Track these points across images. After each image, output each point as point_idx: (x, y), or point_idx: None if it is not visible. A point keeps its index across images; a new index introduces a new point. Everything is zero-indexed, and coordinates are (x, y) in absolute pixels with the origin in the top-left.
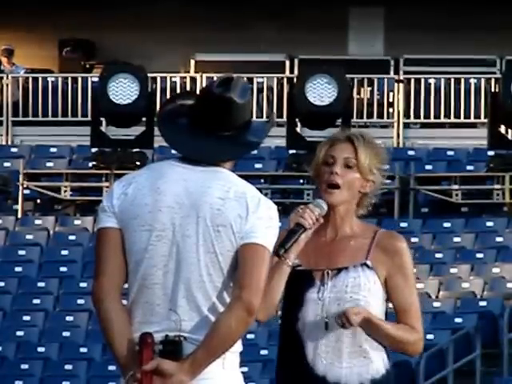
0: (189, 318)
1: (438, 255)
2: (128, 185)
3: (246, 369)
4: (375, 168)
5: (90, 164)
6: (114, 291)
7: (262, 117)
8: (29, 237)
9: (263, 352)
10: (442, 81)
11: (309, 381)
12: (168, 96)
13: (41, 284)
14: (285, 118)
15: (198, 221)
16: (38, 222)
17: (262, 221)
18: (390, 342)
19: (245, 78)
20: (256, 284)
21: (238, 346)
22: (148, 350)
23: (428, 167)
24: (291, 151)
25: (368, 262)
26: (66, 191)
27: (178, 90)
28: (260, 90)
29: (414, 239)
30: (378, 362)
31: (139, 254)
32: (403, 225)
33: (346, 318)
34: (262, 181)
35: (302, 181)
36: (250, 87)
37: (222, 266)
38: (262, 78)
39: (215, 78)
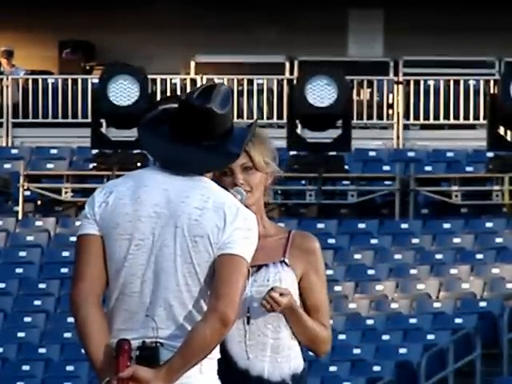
0: (166, 325)
1: (438, 256)
2: (109, 193)
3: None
4: (268, 159)
5: (91, 165)
6: (92, 297)
7: (262, 118)
8: (29, 238)
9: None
10: (442, 82)
11: (232, 375)
12: None
13: (42, 285)
14: (285, 120)
15: (176, 231)
16: (38, 223)
17: (239, 231)
18: (306, 336)
19: (231, 84)
20: (232, 295)
21: (216, 353)
22: (124, 356)
23: (428, 168)
24: (292, 152)
25: (286, 260)
26: (66, 193)
27: (179, 92)
28: (260, 92)
29: (414, 240)
30: (299, 357)
31: (119, 262)
32: (404, 226)
33: (272, 298)
34: (305, 181)
35: (303, 182)
36: (229, 95)
37: (200, 276)
38: (262, 79)
39: (216, 80)
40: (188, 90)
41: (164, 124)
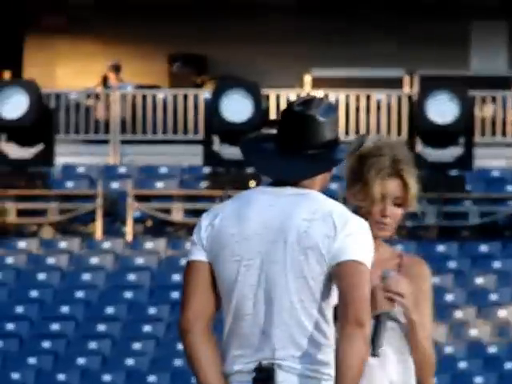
0: (282, 345)
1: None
2: (214, 216)
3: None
4: (417, 192)
5: (203, 184)
6: (201, 323)
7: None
8: (139, 261)
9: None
10: None
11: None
12: None
13: (151, 310)
14: (404, 137)
15: (285, 245)
16: (148, 245)
17: (351, 237)
18: (419, 350)
19: (333, 97)
20: (361, 298)
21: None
22: None
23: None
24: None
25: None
26: (177, 213)
27: None
28: (378, 108)
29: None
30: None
31: (230, 284)
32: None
33: (393, 291)
34: (425, 202)
35: (423, 202)
36: (332, 107)
37: (314, 290)
38: (381, 94)
39: (332, 95)
40: None
41: (268, 140)
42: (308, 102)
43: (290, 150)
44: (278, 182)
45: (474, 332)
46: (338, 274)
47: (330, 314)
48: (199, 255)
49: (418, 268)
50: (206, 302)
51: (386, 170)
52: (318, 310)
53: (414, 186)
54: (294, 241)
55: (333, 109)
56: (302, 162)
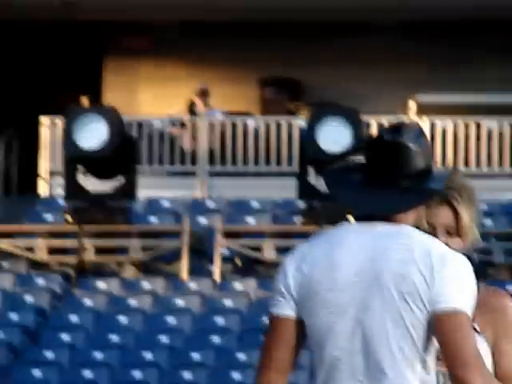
0: None
1: None
2: (301, 260)
3: None
4: (474, 224)
5: (297, 220)
6: (282, 381)
7: (490, 165)
8: (227, 303)
9: None
10: None
11: None
12: None
13: (241, 356)
14: None
15: (382, 291)
16: (237, 285)
17: (451, 281)
18: None
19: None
20: (472, 362)
21: None
22: None
23: None
24: None
25: (476, 327)
26: (269, 251)
27: None
28: (490, 137)
29: None
30: None
31: (322, 336)
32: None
33: None
34: (493, 239)
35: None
36: (423, 133)
37: (415, 338)
38: (493, 122)
39: (440, 123)
40: None
41: (354, 171)
42: (398, 128)
43: (381, 181)
44: (367, 217)
45: None
46: (437, 328)
47: (432, 363)
48: (286, 309)
49: (499, 301)
50: (287, 360)
51: (436, 198)
52: (420, 360)
53: (466, 215)
54: (390, 286)
55: (424, 135)
56: (394, 194)
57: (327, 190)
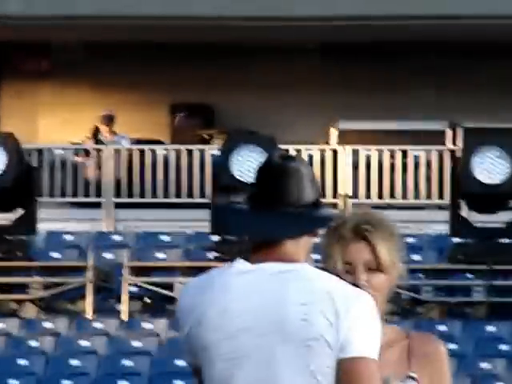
0: None
1: (483, 365)
2: (193, 308)
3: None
4: (396, 258)
5: (211, 255)
6: None
7: (418, 197)
8: (136, 344)
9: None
10: None
11: None
12: None
13: None
14: (447, 200)
15: (283, 338)
16: (146, 325)
17: (358, 325)
18: None
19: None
20: None
21: None
22: None
23: None
24: (456, 240)
25: (413, 374)
26: (180, 288)
27: (316, 165)
28: (416, 166)
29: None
30: None
31: None
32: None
33: None
34: (421, 275)
35: (469, 276)
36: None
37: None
38: (419, 150)
39: (363, 151)
40: (328, 162)
41: (243, 201)
42: (289, 156)
43: (271, 207)
44: (258, 246)
45: None
46: (344, 377)
47: None
48: (187, 357)
49: (432, 347)
50: None
51: (347, 235)
52: None
53: (383, 248)
54: (293, 331)
55: (311, 167)
56: (285, 219)
57: (217, 222)
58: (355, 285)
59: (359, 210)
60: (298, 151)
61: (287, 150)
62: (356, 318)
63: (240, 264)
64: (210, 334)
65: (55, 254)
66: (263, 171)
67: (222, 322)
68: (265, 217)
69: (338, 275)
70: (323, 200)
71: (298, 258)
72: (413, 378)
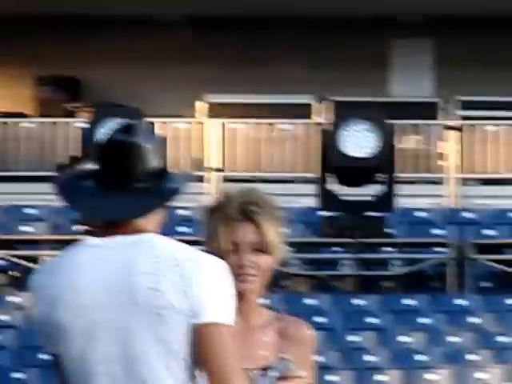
0: None
1: (501, 338)
2: (43, 289)
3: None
4: (280, 239)
5: (74, 227)
6: None
7: (285, 170)
8: (2, 317)
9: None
10: (504, 128)
11: None
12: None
13: (16, 375)
14: (315, 173)
15: (136, 308)
16: (12, 299)
17: (208, 289)
18: None
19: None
20: (233, 378)
21: None
22: None
23: (488, 232)
24: (323, 213)
25: (285, 356)
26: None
27: (182, 139)
28: (284, 139)
29: (472, 319)
30: None
31: (77, 366)
32: (459, 302)
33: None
34: (289, 249)
35: (337, 249)
36: (152, 131)
37: (180, 354)
38: (287, 123)
39: (231, 125)
40: (194, 136)
41: (87, 178)
42: (128, 127)
43: (115, 185)
44: (107, 225)
45: None
46: (198, 343)
47: (203, 378)
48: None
49: (302, 332)
50: None
51: (233, 215)
52: (190, 376)
53: (270, 229)
54: (142, 301)
55: (152, 133)
56: (130, 197)
57: (63, 200)
58: (240, 266)
59: (243, 188)
60: (165, 124)
61: (152, 123)
62: (206, 283)
63: (89, 240)
64: (64, 314)
65: None
66: (104, 148)
67: (74, 300)
68: (112, 197)
69: (221, 256)
70: (191, 172)
71: (147, 230)
72: (284, 359)
